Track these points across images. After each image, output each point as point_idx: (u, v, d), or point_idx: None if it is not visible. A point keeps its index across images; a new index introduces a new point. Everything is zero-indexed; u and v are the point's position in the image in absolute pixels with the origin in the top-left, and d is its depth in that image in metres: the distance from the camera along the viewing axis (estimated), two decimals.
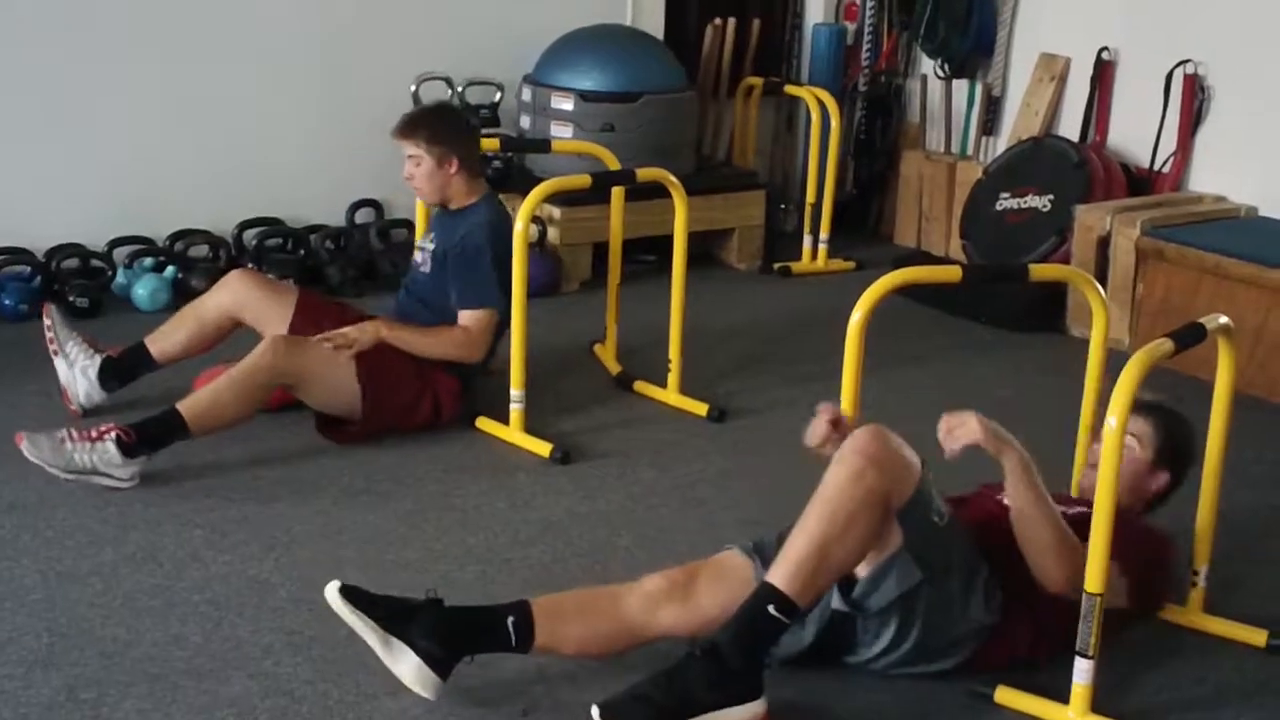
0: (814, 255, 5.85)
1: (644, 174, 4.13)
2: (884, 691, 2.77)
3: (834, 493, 2.53)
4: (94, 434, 3.48)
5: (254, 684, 2.71)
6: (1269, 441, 4.18)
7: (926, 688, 2.78)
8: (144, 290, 4.93)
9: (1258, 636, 3.00)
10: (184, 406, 3.59)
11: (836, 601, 2.67)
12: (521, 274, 3.87)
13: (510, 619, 2.59)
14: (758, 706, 2.49)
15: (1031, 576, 2.81)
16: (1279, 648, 2.97)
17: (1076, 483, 3.30)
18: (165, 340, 4.01)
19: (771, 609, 2.49)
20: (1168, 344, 2.70)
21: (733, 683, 2.47)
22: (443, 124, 4.03)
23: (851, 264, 5.88)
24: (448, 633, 2.57)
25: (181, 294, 4.99)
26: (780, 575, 2.50)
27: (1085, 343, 4.44)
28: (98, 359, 3.92)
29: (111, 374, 3.95)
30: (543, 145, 4.51)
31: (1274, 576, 3.35)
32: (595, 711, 2.42)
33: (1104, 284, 5.05)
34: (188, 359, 4.01)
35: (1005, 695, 2.75)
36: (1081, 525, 2.78)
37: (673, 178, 4.18)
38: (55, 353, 3.93)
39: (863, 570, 2.64)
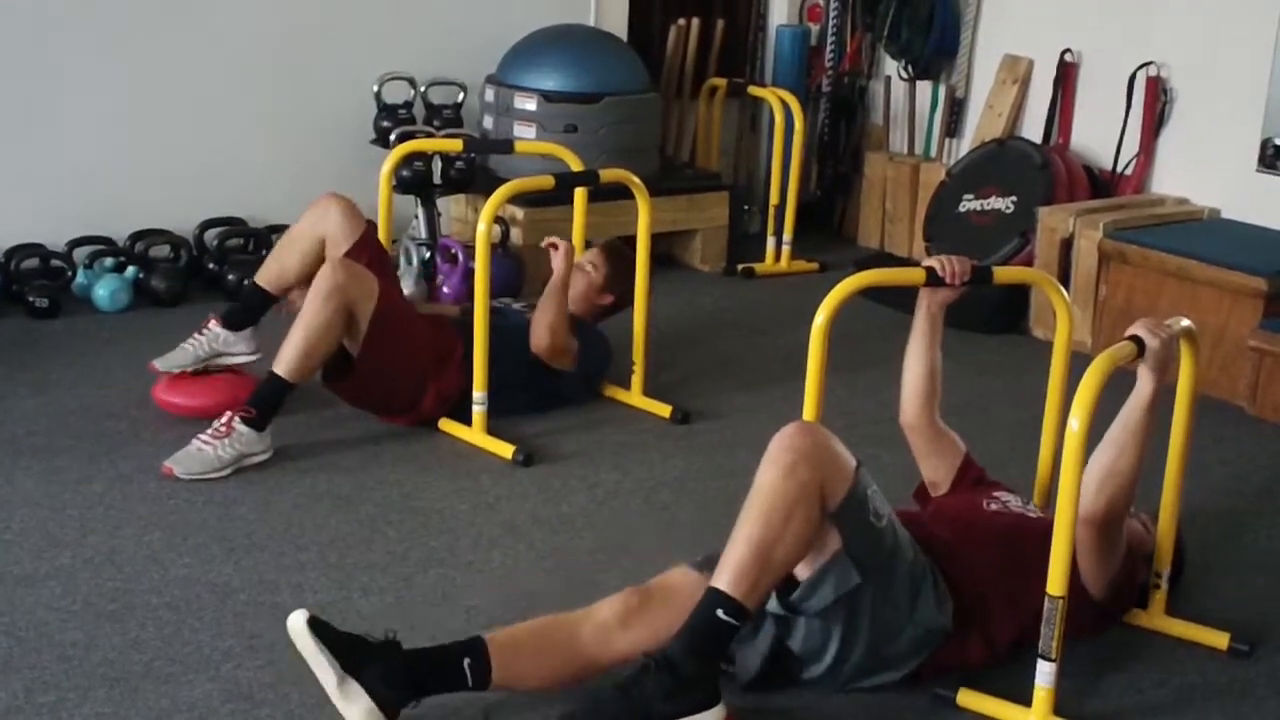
0: (777, 257, 5.85)
1: (607, 175, 4.13)
2: (843, 696, 2.76)
3: (767, 491, 2.52)
4: (223, 428, 3.63)
5: (214, 688, 2.68)
6: (1231, 443, 4.20)
7: (887, 691, 2.77)
8: (104, 291, 4.89)
9: (1220, 639, 3.01)
10: (279, 367, 3.71)
11: (774, 605, 2.65)
12: (484, 275, 3.86)
13: (466, 660, 2.53)
14: (716, 714, 2.48)
15: (988, 586, 2.81)
16: (1241, 650, 2.98)
17: (1040, 489, 3.30)
18: (275, 272, 4.05)
19: (720, 614, 2.47)
20: (1130, 346, 2.71)
21: (689, 692, 2.45)
22: (629, 272, 4.25)
23: (815, 265, 5.89)
24: (404, 678, 2.51)
25: (142, 295, 4.97)
26: (725, 579, 2.49)
27: (1048, 344, 4.47)
28: (221, 332, 3.99)
29: (239, 321, 4.03)
30: (506, 146, 4.49)
31: (1236, 578, 3.36)
32: None
33: (1067, 286, 5.07)
34: (300, 284, 4.00)
35: (968, 698, 2.75)
36: (1042, 535, 2.79)
37: (636, 179, 4.17)
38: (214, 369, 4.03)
39: (802, 573, 2.63)
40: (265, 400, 3.70)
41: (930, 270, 3.07)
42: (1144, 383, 2.75)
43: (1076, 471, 2.57)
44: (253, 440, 3.65)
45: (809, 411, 3.04)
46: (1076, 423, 2.55)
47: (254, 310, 4.06)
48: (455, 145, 4.53)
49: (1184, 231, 4.99)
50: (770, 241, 5.85)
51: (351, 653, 2.50)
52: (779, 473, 2.52)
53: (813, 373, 3.04)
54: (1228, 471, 4.00)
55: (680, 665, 2.46)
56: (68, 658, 2.76)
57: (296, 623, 2.50)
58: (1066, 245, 5.04)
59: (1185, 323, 2.85)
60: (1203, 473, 3.79)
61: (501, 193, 3.85)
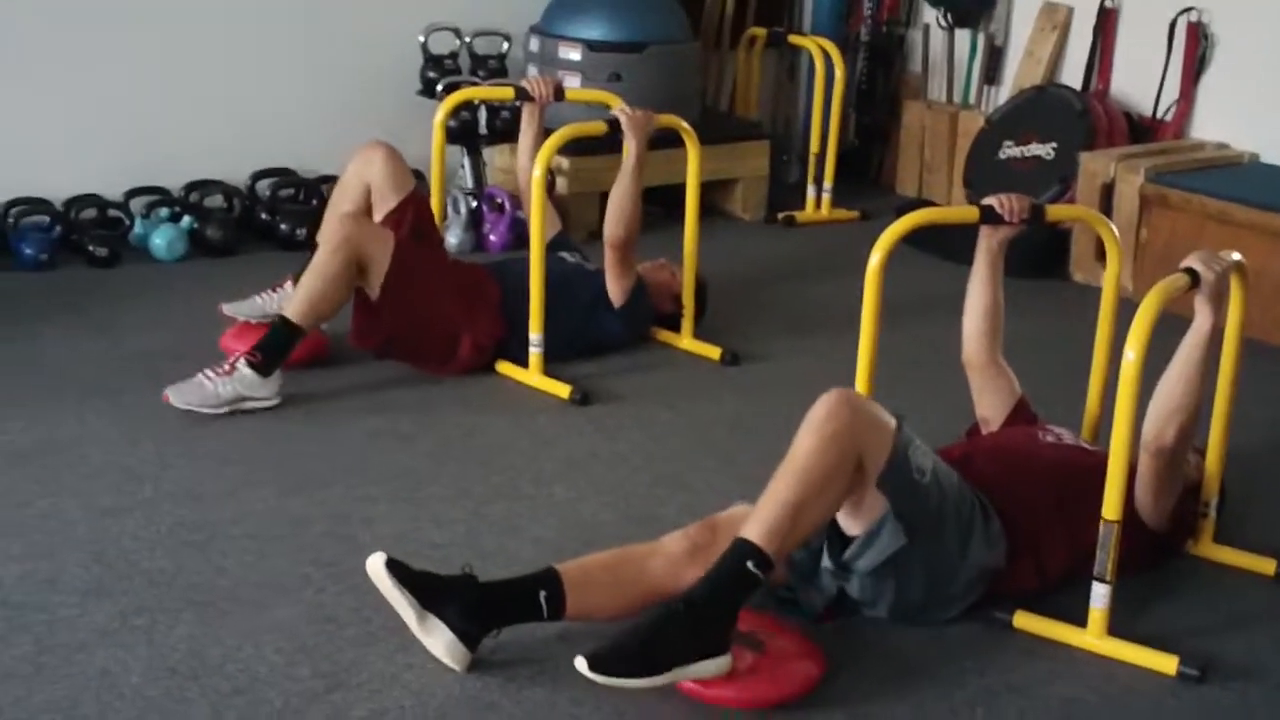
0: (818, 205, 5.91)
1: (658, 121, 4.18)
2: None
3: (805, 457, 2.56)
4: (228, 367, 3.71)
5: (298, 611, 2.79)
6: (1270, 384, 4.26)
7: None
8: (161, 240, 4.99)
9: (1266, 565, 3.10)
10: (289, 312, 3.79)
11: (826, 562, 2.73)
12: (540, 221, 3.95)
13: (543, 593, 2.60)
14: (725, 662, 2.51)
15: (1044, 517, 2.89)
16: None
17: (1089, 424, 3.38)
18: None
19: (750, 565, 2.52)
20: (1184, 278, 2.78)
21: (707, 636, 2.49)
22: (699, 305, 4.41)
23: (855, 214, 5.94)
24: (483, 611, 2.59)
25: (198, 244, 5.07)
26: (756, 533, 2.53)
27: (1088, 289, 4.52)
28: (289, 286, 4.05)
29: None
30: (557, 94, 4.55)
31: (1278, 510, 3.44)
32: (582, 663, 2.44)
33: None
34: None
35: (1024, 620, 2.84)
36: (1099, 468, 2.86)
37: (686, 125, 4.25)
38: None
39: (853, 530, 2.70)
40: (271, 346, 3.75)
41: (985, 209, 3.14)
42: (1202, 316, 2.82)
43: (1132, 401, 2.65)
44: (255, 383, 3.71)
45: (864, 352, 3.11)
46: (1133, 353, 2.63)
47: None
48: (507, 94, 4.59)
49: (1224, 175, 5.05)
50: (810, 190, 5.90)
51: (429, 591, 2.59)
52: (818, 442, 2.57)
53: (868, 313, 3.10)
54: (1268, 410, 4.06)
55: (705, 609, 2.50)
56: (156, 583, 2.88)
57: (375, 565, 2.60)
58: (1107, 190, 5.09)
59: (1236, 256, 2.92)
60: (1242, 410, 3.83)
61: (556, 138, 3.93)
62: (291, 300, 3.83)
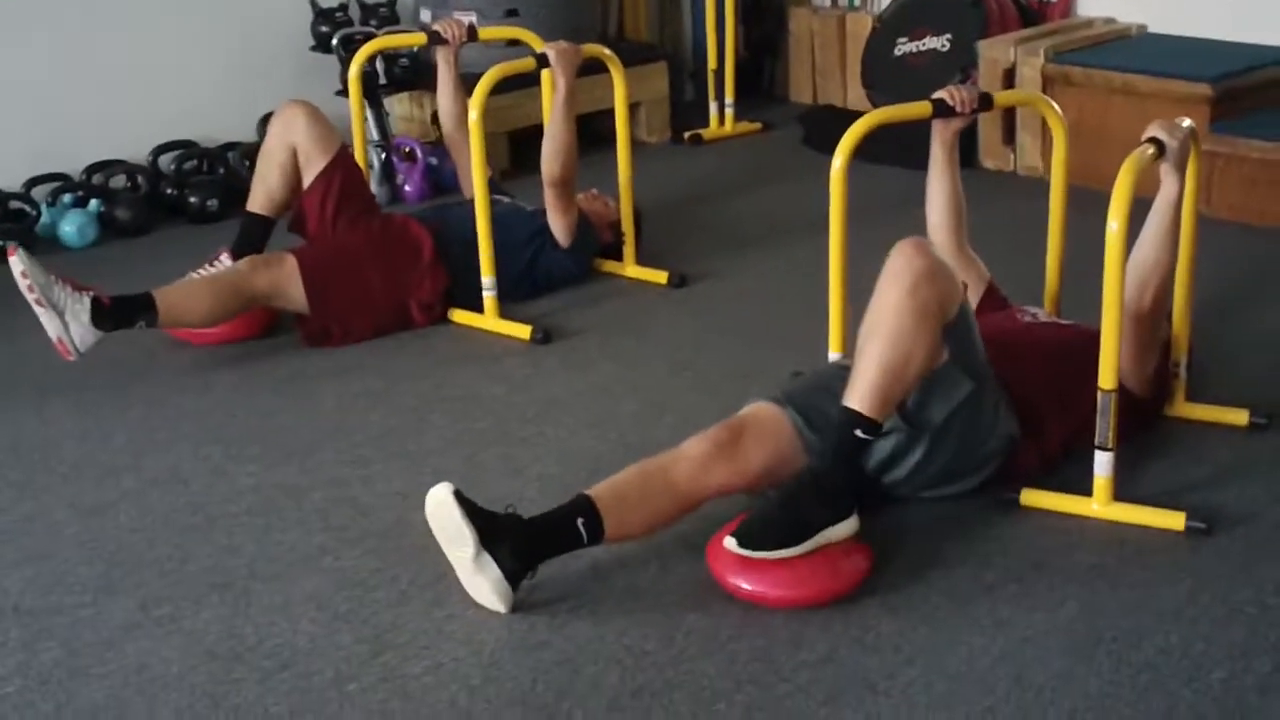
0: (722, 121, 5.93)
1: (585, 50, 4.16)
2: (914, 506, 2.92)
3: (893, 310, 2.63)
4: (80, 286, 3.58)
5: (323, 579, 2.76)
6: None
7: (955, 500, 2.93)
8: (71, 227, 4.85)
9: (1239, 416, 3.23)
10: (159, 293, 3.68)
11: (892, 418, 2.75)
12: (481, 165, 3.91)
13: (580, 519, 2.61)
14: (853, 522, 2.67)
15: (1037, 396, 2.96)
16: (1261, 423, 3.20)
17: (1050, 298, 3.47)
18: (263, 194, 4.06)
19: (859, 433, 2.64)
20: (1150, 148, 2.86)
21: (835, 502, 2.63)
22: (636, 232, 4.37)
23: (758, 126, 5.98)
24: (529, 547, 2.58)
25: (108, 227, 4.93)
26: (859, 398, 2.63)
27: (999, 174, 4.61)
28: (230, 264, 3.77)
29: (244, 253, 3.98)
30: (470, 34, 4.49)
31: (1239, 363, 3.58)
32: (732, 542, 2.57)
33: (1012, 118, 5.24)
34: (294, 196, 4.07)
35: (1031, 497, 2.92)
36: (1080, 341, 2.94)
37: (609, 51, 4.23)
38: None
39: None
40: (125, 307, 3.62)
41: (937, 102, 3.20)
42: (1169, 182, 2.91)
43: (1118, 270, 2.73)
44: (81, 319, 3.53)
45: (835, 259, 3.17)
46: (1116, 223, 2.70)
47: (256, 239, 4.06)
48: (419, 39, 4.52)
49: (1120, 49, 5.17)
50: (713, 106, 5.91)
51: (487, 527, 2.56)
52: (903, 291, 2.63)
53: (836, 217, 3.15)
54: (1199, 271, 4.18)
55: (828, 480, 2.64)
56: (167, 572, 2.82)
57: (441, 495, 2.55)
58: (1009, 75, 5.18)
59: (1188, 122, 3.00)
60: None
61: (488, 79, 3.87)
62: (170, 290, 3.72)
